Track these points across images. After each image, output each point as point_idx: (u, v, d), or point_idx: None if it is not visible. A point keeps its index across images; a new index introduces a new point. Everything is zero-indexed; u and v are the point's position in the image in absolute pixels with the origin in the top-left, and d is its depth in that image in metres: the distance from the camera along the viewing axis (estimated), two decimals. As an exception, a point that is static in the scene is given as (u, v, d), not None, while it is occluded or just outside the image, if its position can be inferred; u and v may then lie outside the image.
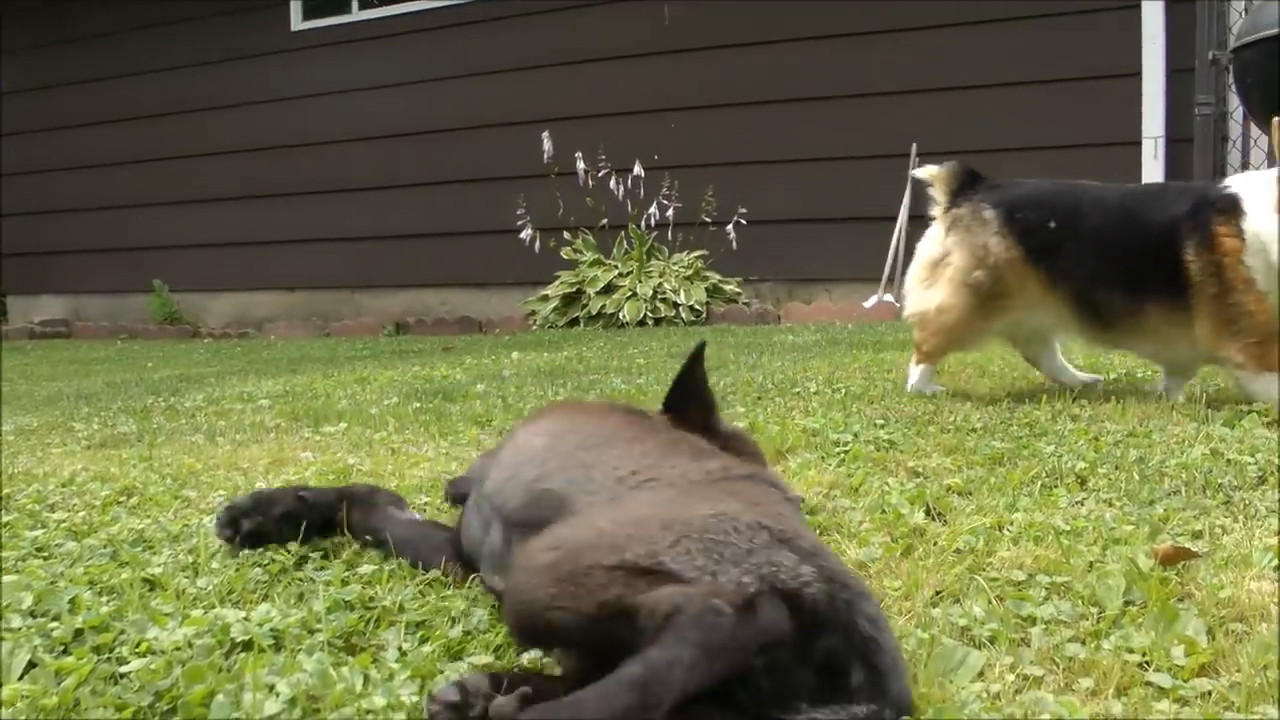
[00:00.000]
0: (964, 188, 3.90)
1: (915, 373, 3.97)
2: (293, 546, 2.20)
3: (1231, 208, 3.32)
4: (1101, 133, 8.33)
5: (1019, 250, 3.67)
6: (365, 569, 2.07)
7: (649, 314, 8.69)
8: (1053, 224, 3.69)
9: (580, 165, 9.57)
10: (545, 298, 9.42)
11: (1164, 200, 3.55)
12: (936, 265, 3.87)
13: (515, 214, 9.70)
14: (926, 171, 4.08)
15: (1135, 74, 8.21)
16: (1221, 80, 7.33)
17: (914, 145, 8.67)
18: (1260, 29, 6.56)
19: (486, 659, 1.65)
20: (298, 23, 11.49)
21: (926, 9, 8.86)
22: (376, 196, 11.05)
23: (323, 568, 2.13)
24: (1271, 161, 8.52)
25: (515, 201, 9.75)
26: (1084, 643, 1.66)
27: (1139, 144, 8.16)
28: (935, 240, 3.93)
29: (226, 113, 11.67)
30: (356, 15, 11.29)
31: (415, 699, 1.51)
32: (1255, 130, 7.69)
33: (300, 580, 2.07)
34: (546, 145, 9.67)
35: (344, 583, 2.01)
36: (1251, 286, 3.27)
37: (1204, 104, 7.17)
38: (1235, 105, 7.56)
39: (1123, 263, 3.54)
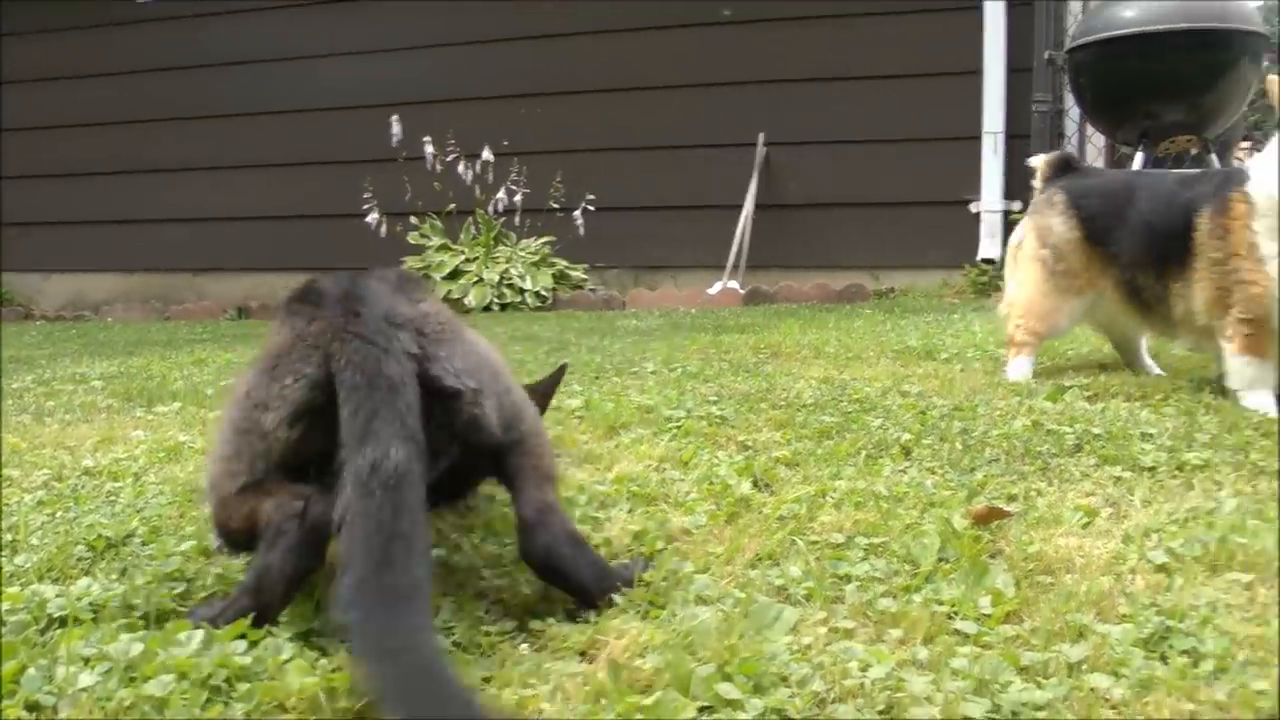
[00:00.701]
0: (1055, 175, 3.84)
1: (1013, 366, 3.75)
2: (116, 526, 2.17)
3: (1244, 176, 3.21)
4: (944, 127, 8.50)
5: (1081, 231, 3.61)
6: (188, 545, 2.04)
7: (495, 299, 8.65)
8: (1109, 208, 3.60)
9: (429, 149, 9.48)
10: (392, 283, 9.30)
11: (1200, 178, 3.47)
12: (1016, 250, 3.86)
13: (362, 198, 9.59)
14: (1034, 160, 4.00)
15: (976, 71, 8.38)
16: (1058, 79, 7.55)
17: (760, 135, 8.79)
18: (1093, 32, 6.81)
19: (294, 628, 1.64)
20: (143, -5, 11.22)
21: (774, 2, 8.96)
22: (220, 176, 10.80)
23: (148, 542, 2.09)
24: (1108, 157, 8.81)
25: (362, 185, 9.64)
26: (896, 597, 1.71)
27: (979, 139, 8.34)
28: (1019, 227, 3.93)
29: (63, 84, 11.24)
30: (204, -9, 11.06)
31: (248, 661, 1.50)
32: (1090, 128, 7.93)
33: (124, 555, 2.03)
34: (395, 129, 9.57)
35: (168, 556, 1.98)
36: (1253, 253, 3.11)
37: (1041, 102, 7.38)
38: (1072, 104, 7.79)
39: (1155, 244, 3.42)
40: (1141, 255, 3.46)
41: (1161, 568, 1.81)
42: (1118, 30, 6.64)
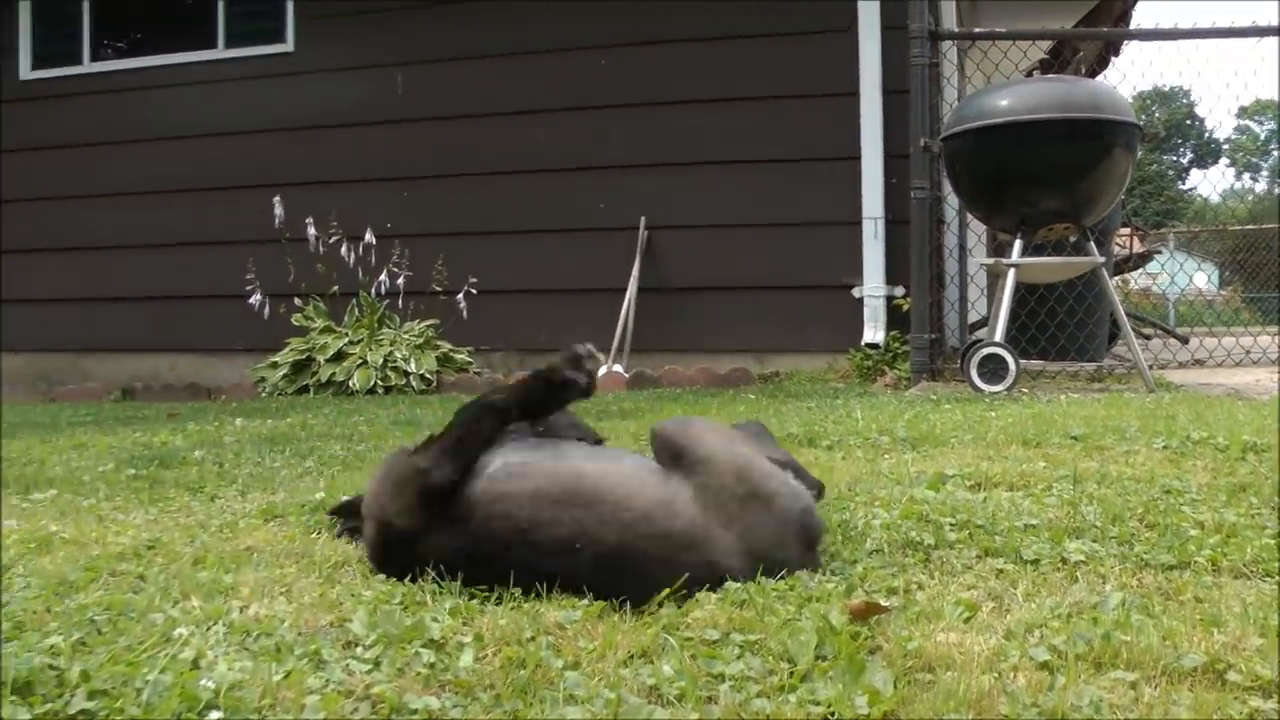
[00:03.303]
0: None
1: None
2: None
3: None
4: (825, 212, 8.60)
5: None
6: (55, 639, 1.93)
7: (379, 382, 8.55)
8: None
9: (311, 231, 9.40)
10: (275, 365, 9.18)
11: None
12: None
13: (245, 278, 9.46)
14: None
15: (855, 158, 8.51)
16: (934, 166, 7.64)
17: (643, 219, 8.81)
18: (967, 120, 6.89)
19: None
20: (26, 71, 11.04)
21: (660, 84, 9.04)
22: (105, 257, 10.62)
23: (11, 639, 1.96)
24: (991, 243, 8.94)
25: (245, 266, 9.51)
26: (770, 697, 1.64)
27: (860, 224, 8.43)
28: None
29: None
30: (88, 67, 10.92)
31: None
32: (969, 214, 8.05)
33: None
34: (278, 210, 9.47)
35: (27, 653, 1.86)
36: None
37: (919, 188, 7.45)
38: (950, 189, 7.89)
39: None
40: None
41: (1044, 665, 1.76)
42: (991, 119, 6.73)
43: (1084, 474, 3.29)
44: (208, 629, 2.03)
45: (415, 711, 1.64)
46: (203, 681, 1.69)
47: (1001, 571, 2.33)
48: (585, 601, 2.15)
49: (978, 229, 8.69)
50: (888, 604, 2.05)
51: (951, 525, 2.68)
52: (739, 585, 2.18)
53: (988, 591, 2.20)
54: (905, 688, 1.66)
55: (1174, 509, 2.85)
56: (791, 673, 1.74)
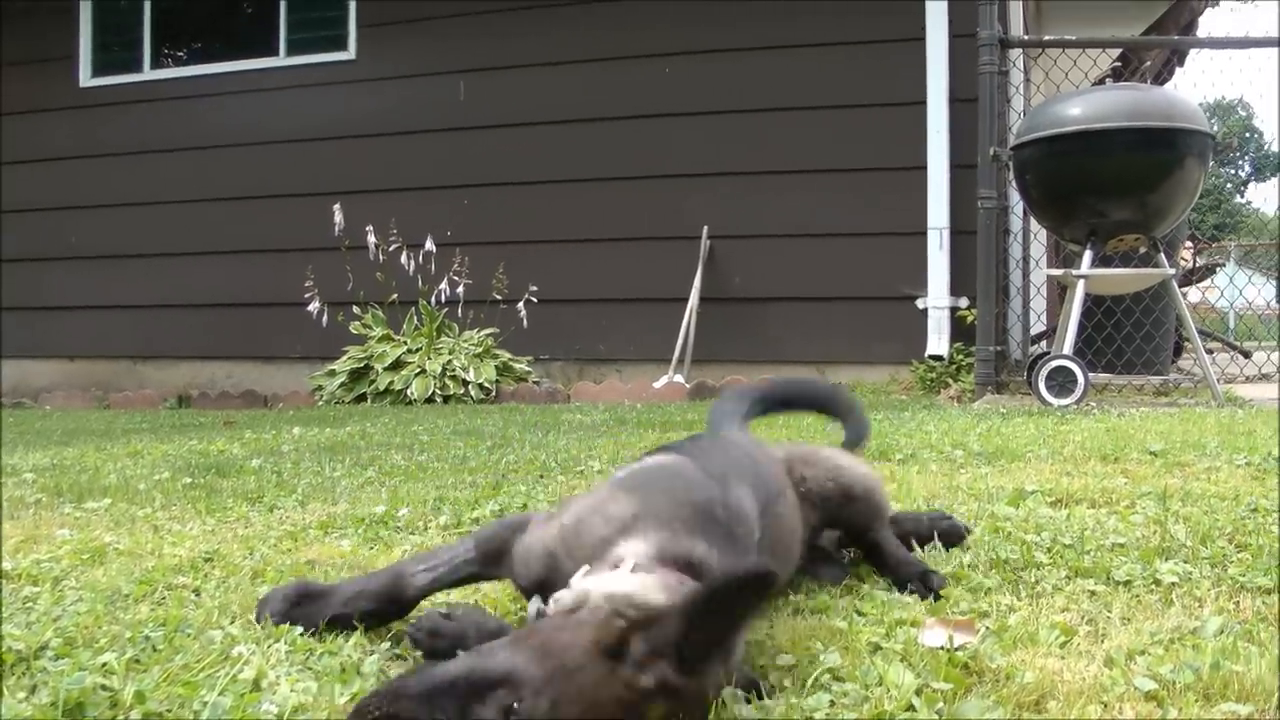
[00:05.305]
0: None
1: None
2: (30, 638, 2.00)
3: None
4: (889, 222, 8.54)
5: None
6: (108, 657, 1.88)
7: (438, 391, 8.55)
8: None
9: (371, 239, 9.42)
10: (332, 373, 9.20)
11: None
12: None
13: (303, 286, 9.48)
14: None
15: (921, 167, 8.43)
16: (1002, 176, 7.55)
17: (705, 228, 8.76)
18: (1038, 129, 6.81)
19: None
20: (86, 79, 11.14)
21: (721, 93, 9.00)
22: (161, 263, 10.70)
23: (61, 656, 1.93)
24: (1054, 254, 8.82)
25: (304, 274, 9.53)
26: (869, 728, 1.57)
27: (924, 234, 8.35)
28: None
29: (3, 169, 11.16)
30: (149, 74, 11.01)
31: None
32: (1035, 224, 7.94)
33: (35, 670, 1.87)
34: (338, 218, 9.49)
35: (80, 671, 1.82)
36: None
37: (986, 198, 7.37)
38: (1016, 200, 7.80)
39: None
40: None
41: (1151, 696, 1.68)
42: (1063, 128, 6.64)
43: (1168, 491, 3.20)
44: (268, 647, 1.98)
45: (490, 737, 1.57)
46: (264, 705, 1.65)
47: (1094, 593, 2.25)
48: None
49: (1043, 239, 8.59)
50: (978, 626, 1.99)
51: (1037, 544, 2.61)
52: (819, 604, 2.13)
53: (1082, 614, 2.11)
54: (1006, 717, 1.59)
55: (1263, 528, 2.76)
56: (887, 699, 1.67)
